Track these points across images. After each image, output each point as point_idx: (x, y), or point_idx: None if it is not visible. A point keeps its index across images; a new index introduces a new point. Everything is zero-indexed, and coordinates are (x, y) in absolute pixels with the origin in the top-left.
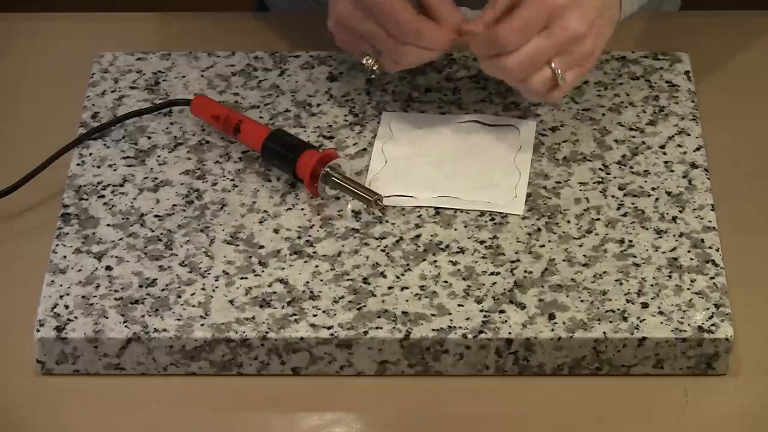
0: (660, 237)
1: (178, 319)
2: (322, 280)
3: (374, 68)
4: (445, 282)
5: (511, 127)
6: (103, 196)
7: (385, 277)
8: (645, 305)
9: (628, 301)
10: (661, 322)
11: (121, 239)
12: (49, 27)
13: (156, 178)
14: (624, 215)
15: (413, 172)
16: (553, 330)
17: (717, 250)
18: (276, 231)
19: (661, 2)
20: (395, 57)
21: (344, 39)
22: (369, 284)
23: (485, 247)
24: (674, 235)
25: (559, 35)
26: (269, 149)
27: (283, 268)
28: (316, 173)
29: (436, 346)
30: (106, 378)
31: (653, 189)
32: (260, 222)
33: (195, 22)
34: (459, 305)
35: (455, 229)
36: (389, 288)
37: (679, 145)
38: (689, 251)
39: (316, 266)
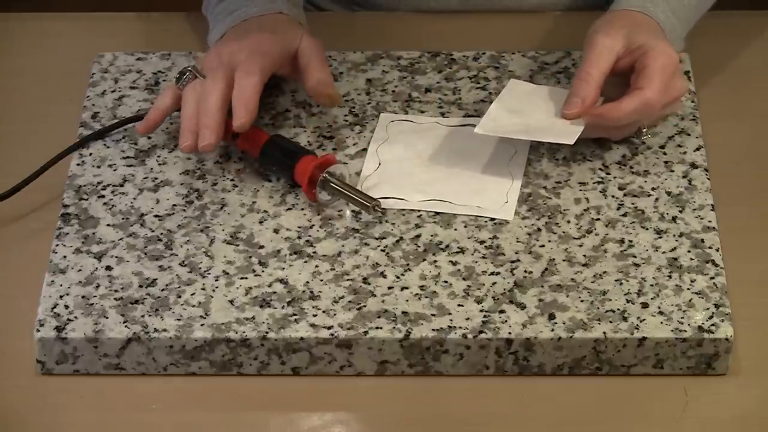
0: (660, 237)
1: (178, 319)
2: (322, 280)
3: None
4: (445, 282)
5: None
6: (103, 196)
7: (385, 277)
8: (645, 305)
9: (628, 301)
10: (661, 322)
11: (121, 239)
12: (49, 27)
13: (156, 178)
14: (624, 215)
15: (405, 175)
16: (553, 330)
17: (717, 250)
18: (276, 231)
19: None
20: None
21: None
22: (369, 284)
23: (485, 247)
24: (674, 235)
25: (669, 98)
26: (267, 155)
27: (283, 268)
28: (314, 179)
29: (436, 346)
30: (106, 378)
31: (653, 189)
32: (260, 222)
33: (195, 22)
34: (459, 305)
35: (455, 229)
36: (389, 288)
37: (679, 145)
38: (689, 251)
39: (316, 266)
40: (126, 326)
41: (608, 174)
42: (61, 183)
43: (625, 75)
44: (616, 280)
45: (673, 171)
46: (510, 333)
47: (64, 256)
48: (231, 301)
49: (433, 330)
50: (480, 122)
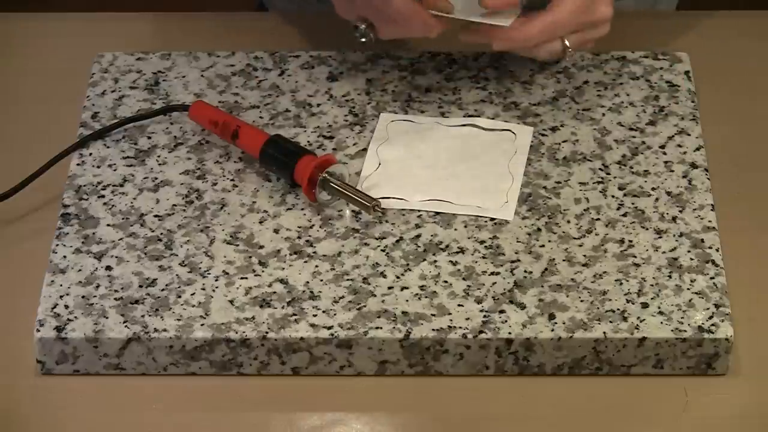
0: (660, 237)
1: (178, 319)
2: (322, 280)
3: (370, 35)
4: (445, 282)
5: (508, 132)
6: (103, 196)
7: (385, 277)
8: (645, 305)
9: (628, 301)
10: (661, 322)
11: (121, 239)
12: (49, 27)
13: (156, 178)
14: (624, 215)
15: (406, 175)
16: (553, 330)
17: (717, 250)
18: (276, 231)
19: (656, 0)
20: (390, 34)
21: (342, 5)
22: (369, 284)
23: (485, 247)
24: (674, 235)
25: (587, 20)
26: (267, 155)
27: (283, 268)
28: (313, 179)
29: (436, 346)
30: (106, 378)
31: (653, 189)
32: (260, 222)
33: (195, 22)
34: (459, 305)
35: (455, 229)
36: (389, 288)
37: (679, 145)
38: (689, 251)
39: (316, 266)
40: (126, 326)
41: (608, 174)
42: (61, 183)
43: None
44: (616, 280)
45: (673, 171)
46: (510, 333)
47: (64, 256)
48: (231, 301)
49: (433, 330)
50: None
